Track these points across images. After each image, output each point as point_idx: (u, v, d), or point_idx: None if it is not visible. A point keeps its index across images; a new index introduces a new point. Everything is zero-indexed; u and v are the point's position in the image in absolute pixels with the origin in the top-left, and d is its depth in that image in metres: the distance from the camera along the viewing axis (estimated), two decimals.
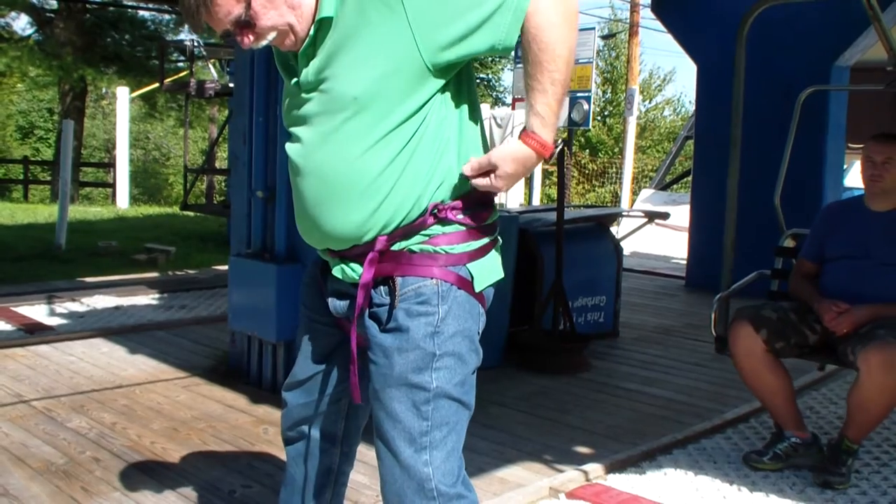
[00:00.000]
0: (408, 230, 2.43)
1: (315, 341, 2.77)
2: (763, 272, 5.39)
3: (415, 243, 2.44)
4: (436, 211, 2.41)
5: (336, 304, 2.64)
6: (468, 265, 2.48)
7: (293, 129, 2.51)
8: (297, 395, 2.85)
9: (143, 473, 4.52)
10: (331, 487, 2.94)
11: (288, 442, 2.94)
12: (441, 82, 2.37)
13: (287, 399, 2.88)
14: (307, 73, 2.41)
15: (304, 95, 2.44)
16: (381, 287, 2.47)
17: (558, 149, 2.35)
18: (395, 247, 2.44)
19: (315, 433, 2.87)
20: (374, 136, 2.35)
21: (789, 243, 5.50)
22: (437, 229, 2.44)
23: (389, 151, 2.36)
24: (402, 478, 2.47)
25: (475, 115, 2.51)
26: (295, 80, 2.47)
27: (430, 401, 2.46)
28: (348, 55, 2.34)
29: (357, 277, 2.49)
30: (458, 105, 2.44)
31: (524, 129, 2.36)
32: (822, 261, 4.92)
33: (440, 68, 2.33)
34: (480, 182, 2.35)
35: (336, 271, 2.57)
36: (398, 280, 2.44)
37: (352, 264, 2.51)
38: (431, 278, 2.44)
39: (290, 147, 2.52)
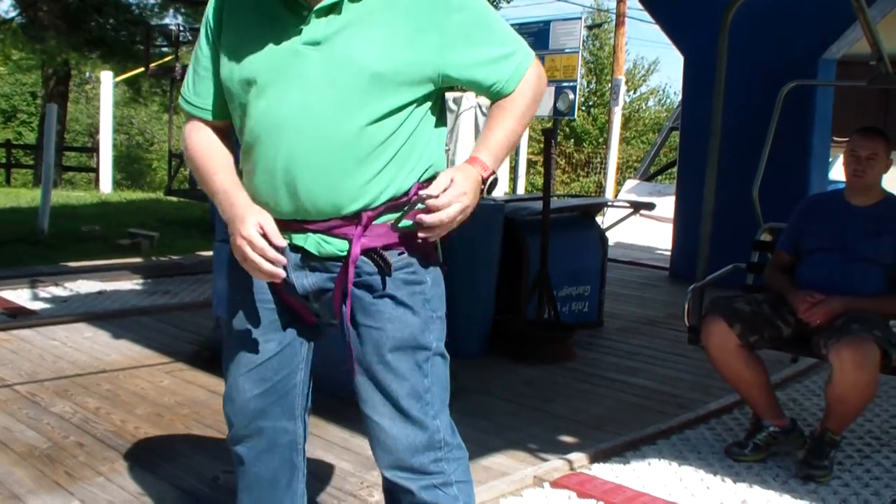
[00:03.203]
0: (392, 206, 2.51)
1: (261, 324, 2.69)
2: (738, 265, 5.39)
3: (397, 218, 2.50)
4: (418, 190, 2.51)
5: (304, 281, 2.61)
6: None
7: (272, 85, 2.46)
8: (249, 385, 2.71)
9: (126, 458, 4.52)
10: (300, 471, 2.91)
11: (242, 440, 2.78)
12: (437, 87, 2.55)
13: (237, 394, 2.74)
14: (319, 29, 2.41)
15: (303, 50, 2.42)
16: (363, 258, 2.54)
17: (490, 180, 2.50)
18: (378, 221, 2.52)
19: (274, 422, 2.76)
20: (383, 109, 2.43)
21: (766, 237, 5.50)
22: (407, 207, 2.50)
23: (393, 127, 2.46)
24: (414, 433, 2.58)
25: (444, 121, 2.69)
26: (292, 32, 2.43)
27: (429, 359, 2.61)
28: (377, 29, 2.41)
29: (338, 251, 2.54)
30: (441, 104, 2.63)
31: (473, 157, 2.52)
32: (798, 253, 4.92)
33: (442, 80, 2.52)
34: (429, 219, 2.40)
35: (310, 245, 2.56)
36: (387, 252, 2.55)
37: (329, 238, 2.53)
38: (414, 249, 2.59)
39: (271, 104, 2.46)
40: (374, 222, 2.51)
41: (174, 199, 16.36)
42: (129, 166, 40.37)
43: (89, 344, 6.68)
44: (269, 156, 2.48)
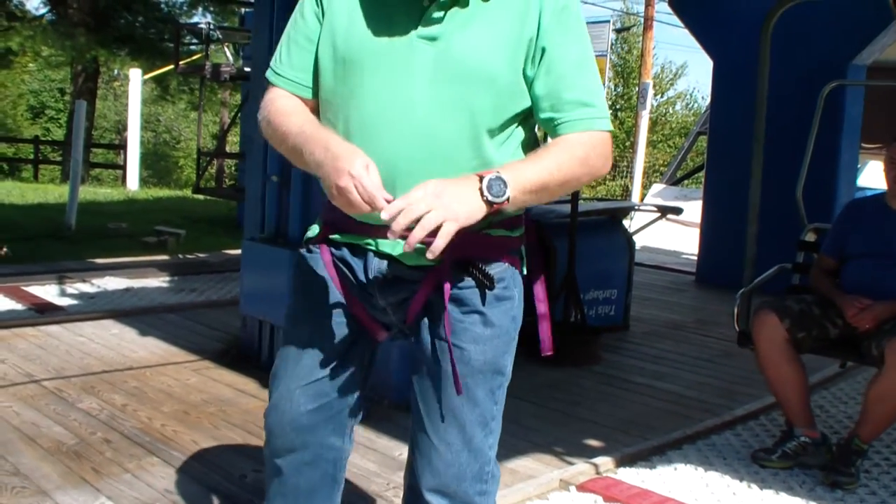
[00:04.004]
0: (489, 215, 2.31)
1: (328, 337, 2.51)
2: (784, 266, 5.42)
3: (489, 226, 2.37)
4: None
5: (387, 290, 2.45)
6: (521, 248, 2.51)
7: (376, 74, 2.29)
8: (305, 399, 2.53)
9: (153, 455, 4.53)
10: (339, 486, 2.74)
11: (285, 453, 2.60)
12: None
13: (288, 406, 2.55)
14: (438, 23, 2.26)
15: (417, 43, 2.27)
16: (456, 270, 2.39)
17: (487, 179, 2.15)
18: (473, 228, 2.27)
19: (322, 438, 2.59)
20: (494, 116, 2.31)
21: (810, 237, 5.53)
22: (504, 213, 2.33)
23: (501, 136, 2.35)
24: (468, 461, 2.45)
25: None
26: (408, 21, 2.27)
27: (501, 385, 2.51)
28: (489, 30, 2.28)
29: (428, 261, 2.23)
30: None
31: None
32: (842, 257, 4.94)
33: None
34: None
35: (399, 252, 2.38)
36: (486, 263, 2.40)
37: (421, 246, 2.27)
38: (505, 262, 2.45)
39: (373, 95, 2.30)
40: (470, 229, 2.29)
41: (201, 196, 16.40)
42: (156, 164, 40.63)
43: (116, 341, 6.70)
44: (365, 149, 2.20)
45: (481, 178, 2.15)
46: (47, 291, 8.38)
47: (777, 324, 4.64)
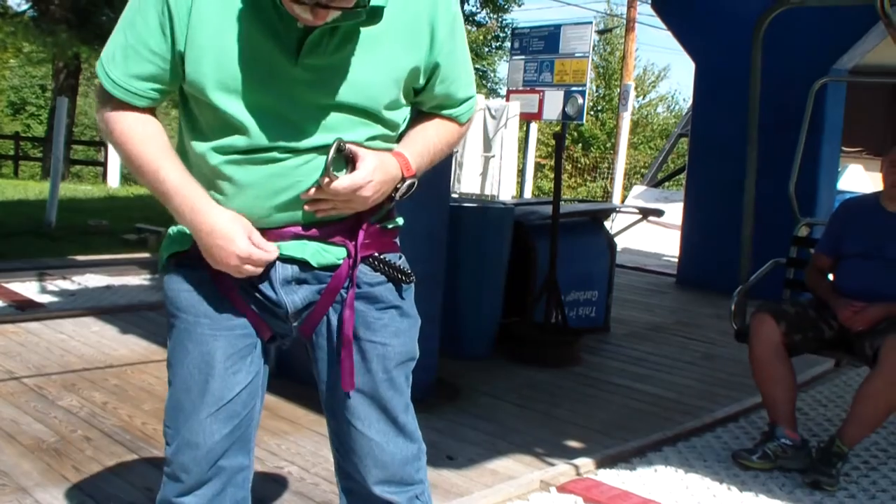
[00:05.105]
0: (381, 205, 2.38)
1: (229, 354, 2.41)
2: (778, 260, 5.52)
3: (384, 218, 2.44)
4: (394, 197, 2.37)
5: (294, 297, 2.39)
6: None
7: (259, 104, 2.19)
8: (218, 426, 2.42)
9: (133, 454, 4.52)
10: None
11: (197, 487, 2.45)
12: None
13: (203, 439, 2.41)
14: (318, 51, 2.17)
15: (296, 73, 2.18)
16: (362, 266, 2.39)
17: (406, 184, 2.34)
18: (370, 221, 2.39)
19: (232, 460, 2.48)
20: (377, 129, 2.32)
21: (803, 232, 5.61)
22: (391, 204, 2.42)
23: (388, 134, 2.37)
24: (407, 446, 2.51)
25: None
26: (290, 50, 2.17)
27: (412, 368, 2.53)
28: (374, 57, 2.24)
29: (336, 260, 2.36)
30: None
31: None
32: (837, 256, 5.05)
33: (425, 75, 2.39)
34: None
35: (308, 255, 2.34)
36: (388, 256, 2.44)
37: (328, 246, 2.35)
38: (398, 252, 2.51)
39: (258, 113, 2.21)
40: (367, 223, 2.38)
41: None
42: None
43: (97, 338, 6.68)
44: (238, 176, 2.25)
45: (403, 180, 2.34)
46: (27, 288, 8.36)
47: (773, 325, 4.74)
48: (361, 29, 2.20)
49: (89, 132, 42.53)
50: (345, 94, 2.22)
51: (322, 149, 2.22)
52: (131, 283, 8.93)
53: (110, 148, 20.26)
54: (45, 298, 8.02)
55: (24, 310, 7.46)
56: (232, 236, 2.21)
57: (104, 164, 23.38)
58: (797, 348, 4.81)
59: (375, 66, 2.24)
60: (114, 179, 21.33)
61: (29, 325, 6.93)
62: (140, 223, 12.75)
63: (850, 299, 4.77)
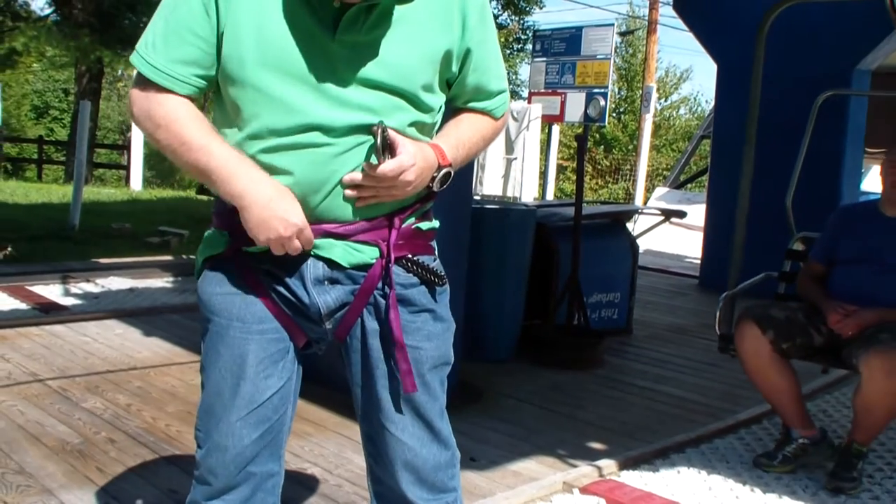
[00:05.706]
0: (416, 206, 2.39)
1: (262, 357, 2.39)
2: (770, 274, 5.38)
3: (418, 220, 2.43)
4: (432, 187, 2.36)
5: (327, 297, 2.36)
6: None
7: (299, 77, 2.18)
8: (249, 430, 2.39)
9: (157, 455, 4.54)
10: None
11: (226, 492, 2.44)
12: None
13: (233, 442, 2.40)
14: (354, 28, 2.17)
15: (334, 48, 2.18)
16: (396, 267, 2.36)
17: (442, 173, 2.32)
18: (405, 223, 2.38)
19: (262, 466, 2.45)
20: (414, 114, 2.30)
21: (798, 246, 5.49)
22: (428, 205, 2.44)
23: (426, 125, 2.37)
24: (440, 452, 2.48)
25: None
26: (327, 26, 2.17)
27: (448, 373, 2.52)
28: (411, 28, 2.25)
29: (369, 260, 2.33)
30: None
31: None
32: (831, 263, 4.91)
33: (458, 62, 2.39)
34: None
35: (336, 254, 2.31)
36: (423, 259, 2.42)
37: (358, 245, 2.32)
38: (433, 255, 2.49)
39: (296, 97, 2.19)
40: (402, 224, 2.36)
41: (204, 197, 16.37)
42: (159, 164, 40.47)
43: (120, 340, 6.71)
44: (280, 161, 2.23)
45: (440, 168, 2.33)
46: (51, 291, 8.40)
47: (759, 336, 4.58)
48: (396, 9, 2.21)
49: (112, 136, 42.81)
50: (381, 73, 2.21)
51: (359, 130, 2.21)
52: (154, 286, 8.97)
53: (133, 151, 20.34)
54: (68, 301, 8.06)
55: (48, 312, 7.49)
56: (290, 206, 2.19)
57: (127, 168, 23.46)
58: (787, 355, 4.65)
59: (410, 46, 2.24)
60: (136, 183, 21.40)
61: (53, 327, 6.96)
62: (163, 226, 12.79)
63: (840, 302, 4.63)
